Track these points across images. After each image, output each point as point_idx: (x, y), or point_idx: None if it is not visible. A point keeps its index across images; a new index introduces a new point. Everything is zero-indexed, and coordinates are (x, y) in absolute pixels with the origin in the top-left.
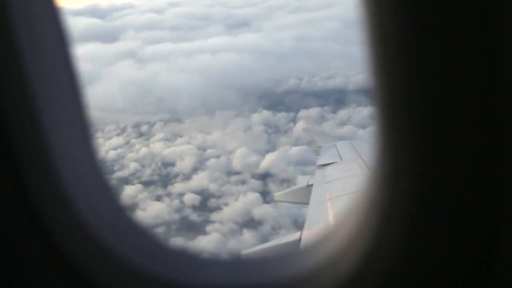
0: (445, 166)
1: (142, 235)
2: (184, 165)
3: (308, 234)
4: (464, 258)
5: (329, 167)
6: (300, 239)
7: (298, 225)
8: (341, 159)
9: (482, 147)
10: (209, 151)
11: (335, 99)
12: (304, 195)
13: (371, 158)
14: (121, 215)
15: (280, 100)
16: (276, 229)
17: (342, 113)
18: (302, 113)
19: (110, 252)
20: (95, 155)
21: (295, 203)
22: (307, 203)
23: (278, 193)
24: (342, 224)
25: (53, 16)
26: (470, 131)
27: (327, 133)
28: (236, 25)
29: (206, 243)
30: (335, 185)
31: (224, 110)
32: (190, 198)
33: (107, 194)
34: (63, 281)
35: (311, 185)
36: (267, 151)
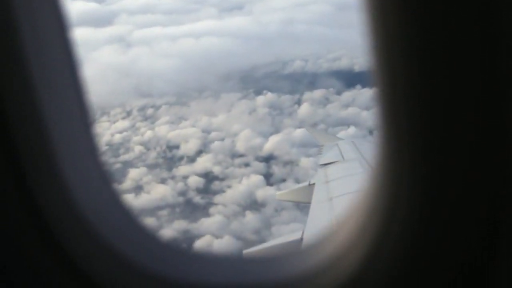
0: (447, 166)
1: (144, 234)
2: (188, 148)
3: (310, 233)
4: (466, 258)
5: (331, 166)
6: (301, 239)
7: (301, 207)
8: (343, 158)
9: (484, 147)
10: (213, 133)
11: (340, 80)
12: (306, 194)
13: (373, 158)
14: (124, 214)
15: (286, 82)
16: (278, 211)
17: (347, 95)
18: (307, 95)
19: (112, 251)
20: (98, 154)
21: (297, 202)
22: (309, 203)
23: (279, 192)
24: (343, 223)
25: (55, 10)
26: (472, 130)
27: (329, 133)
28: (230, 8)
29: (209, 225)
30: (337, 185)
31: (228, 93)
32: (194, 181)
33: (109, 192)
34: (66, 280)
35: (313, 184)
36: (271, 133)
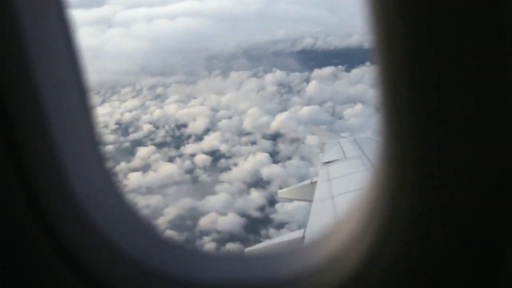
0: (449, 165)
1: (146, 232)
2: (196, 126)
3: (312, 231)
4: (468, 258)
5: (333, 164)
6: (303, 237)
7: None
8: (345, 156)
9: (486, 146)
10: (221, 112)
11: (349, 57)
12: (308, 193)
13: (375, 156)
14: (126, 212)
15: (295, 60)
16: (283, 188)
17: (356, 72)
18: (316, 72)
19: (115, 248)
20: (101, 152)
21: (299, 200)
22: (311, 201)
23: (281, 190)
24: (345, 221)
25: (58, 9)
26: (474, 130)
27: (331, 131)
28: None
29: (215, 202)
30: (338, 183)
31: (238, 71)
32: (201, 159)
33: (112, 191)
34: (68, 277)
35: (315, 182)
36: (279, 111)
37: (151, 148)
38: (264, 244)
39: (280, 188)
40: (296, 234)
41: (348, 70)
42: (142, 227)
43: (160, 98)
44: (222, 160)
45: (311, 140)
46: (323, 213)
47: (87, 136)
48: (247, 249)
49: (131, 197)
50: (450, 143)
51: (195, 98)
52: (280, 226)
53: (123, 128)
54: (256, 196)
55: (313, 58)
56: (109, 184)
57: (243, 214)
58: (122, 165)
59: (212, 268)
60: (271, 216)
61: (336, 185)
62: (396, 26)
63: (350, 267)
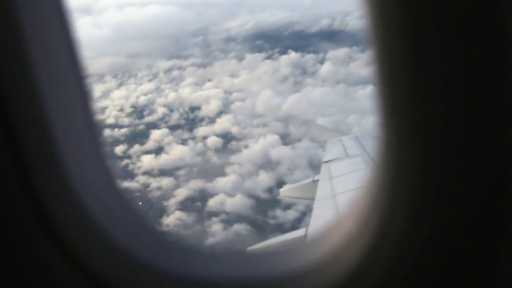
0: (448, 162)
1: (147, 230)
2: (210, 109)
3: (314, 230)
4: (467, 254)
5: (335, 162)
6: (305, 235)
7: (313, 166)
8: (347, 154)
9: (485, 144)
10: (235, 94)
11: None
12: (310, 191)
13: (375, 153)
14: (129, 211)
15: (310, 41)
16: (292, 170)
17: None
18: (331, 53)
19: (116, 247)
20: (102, 151)
21: (300, 198)
22: (313, 199)
23: (283, 189)
24: (345, 218)
25: (57, 7)
26: (473, 127)
27: (332, 129)
28: None
29: (224, 183)
30: (340, 181)
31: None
32: (213, 141)
33: (113, 189)
34: (70, 276)
35: (317, 180)
36: (291, 93)
37: (165, 130)
38: (267, 243)
39: (289, 169)
40: (299, 232)
41: (363, 51)
42: (143, 225)
43: (176, 81)
44: (233, 142)
45: (321, 122)
46: (325, 212)
47: (87, 133)
48: (250, 248)
49: (143, 181)
50: (450, 140)
51: (209, 80)
52: (287, 207)
53: (138, 111)
54: (265, 178)
55: (329, 39)
56: (110, 182)
57: (251, 196)
58: (136, 148)
59: (214, 265)
60: (279, 197)
61: (338, 183)
62: (395, 21)
63: (349, 265)
